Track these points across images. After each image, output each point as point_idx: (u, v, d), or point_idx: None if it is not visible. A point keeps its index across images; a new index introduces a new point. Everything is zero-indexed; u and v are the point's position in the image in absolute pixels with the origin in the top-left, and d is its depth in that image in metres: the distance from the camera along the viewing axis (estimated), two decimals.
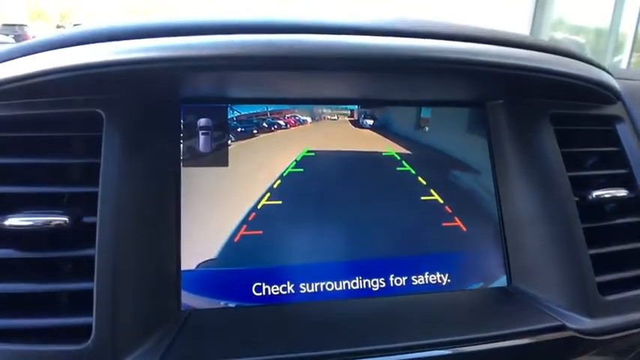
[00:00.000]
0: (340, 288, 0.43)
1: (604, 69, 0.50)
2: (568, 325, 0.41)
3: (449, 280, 0.45)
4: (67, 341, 0.35)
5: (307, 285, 0.42)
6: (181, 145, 0.43)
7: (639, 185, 0.50)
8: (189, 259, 0.41)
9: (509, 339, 0.39)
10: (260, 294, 0.41)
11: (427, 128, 0.48)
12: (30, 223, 0.37)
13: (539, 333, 0.40)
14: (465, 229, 0.46)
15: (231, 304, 0.41)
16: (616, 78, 0.53)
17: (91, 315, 0.35)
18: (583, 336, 0.41)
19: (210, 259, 0.41)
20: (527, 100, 0.48)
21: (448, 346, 0.38)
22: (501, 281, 0.46)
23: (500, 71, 0.41)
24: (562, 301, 0.43)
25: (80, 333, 0.35)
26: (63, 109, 0.39)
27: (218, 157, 0.43)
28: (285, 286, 0.42)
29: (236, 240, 0.42)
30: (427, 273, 0.45)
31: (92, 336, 0.34)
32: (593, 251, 0.45)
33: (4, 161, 0.39)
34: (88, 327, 0.35)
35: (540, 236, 0.46)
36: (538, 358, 0.40)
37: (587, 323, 0.41)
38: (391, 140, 0.47)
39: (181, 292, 0.40)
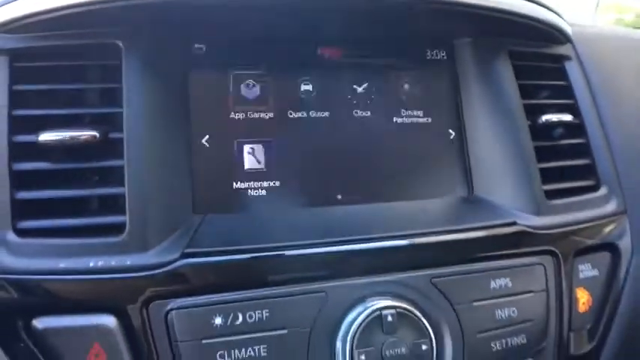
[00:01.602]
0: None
1: (558, 14, 0.58)
2: (519, 222, 0.50)
3: (416, 192, 0.53)
4: (104, 235, 0.42)
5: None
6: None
7: (582, 113, 0.59)
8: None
9: (469, 231, 0.48)
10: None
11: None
12: (63, 137, 0.43)
13: (495, 227, 0.49)
14: (433, 148, 0.54)
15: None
16: (569, 24, 0.61)
17: (123, 214, 0.42)
18: (531, 230, 0.49)
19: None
20: (489, 38, 0.55)
21: (412, 237, 0.46)
22: (464, 192, 0.54)
23: (467, 10, 0.49)
24: (515, 205, 0.52)
25: (113, 231, 0.42)
26: (85, 40, 0.44)
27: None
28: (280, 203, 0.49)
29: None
30: (396, 186, 0.52)
31: (126, 230, 0.41)
32: (541, 165, 0.53)
33: (32, 88, 0.44)
34: (121, 225, 0.42)
35: (497, 153, 0.54)
36: (495, 249, 0.49)
37: (535, 220, 0.50)
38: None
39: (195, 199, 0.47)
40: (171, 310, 0.40)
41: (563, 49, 0.61)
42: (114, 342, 0.39)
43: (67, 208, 0.43)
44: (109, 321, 0.39)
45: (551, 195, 0.53)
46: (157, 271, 0.40)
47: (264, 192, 0.49)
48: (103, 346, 0.39)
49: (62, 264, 0.40)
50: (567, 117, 0.57)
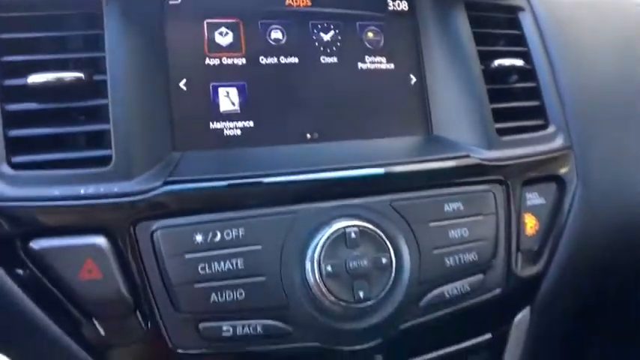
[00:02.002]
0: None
1: None
2: (472, 155, 0.55)
3: (379, 131, 0.57)
4: (92, 167, 0.46)
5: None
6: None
7: (534, 60, 0.64)
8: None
9: (426, 162, 0.53)
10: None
11: None
12: (50, 79, 0.46)
13: (450, 159, 0.54)
14: (395, 92, 0.59)
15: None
16: None
17: (109, 148, 0.46)
18: (482, 161, 0.55)
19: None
20: None
21: (375, 167, 0.51)
22: (423, 131, 0.59)
23: None
24: (469, 141, 0.57)
25: (100, 163, 0.46)
26: None
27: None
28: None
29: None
30: (361, 126, 0.57)
31: (112, 161, 0.46)
32: (494, 105, 0.58)
33: (19, 36, 0.48)
34: (107, 157, 0.46)
35: (454, 95, 0.59)
36: (449, 178, 0.54)
37: (487, 153, 0.56)
38: None
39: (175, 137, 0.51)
40: (156, 229, 0.44)
41: (517, 1, 0.66)
42: (105, 258, 0.43)
43: (57, 144, 0.47)
44: (100, 241, 0.44)
45: (503, 132, 0.58)
46: (141, 197, 0.45)
47: (239, 132, 0.54)
48: (96, 262, 0.43)
49: (55, 191, 0.44)
50: (519, 62, 0.62)
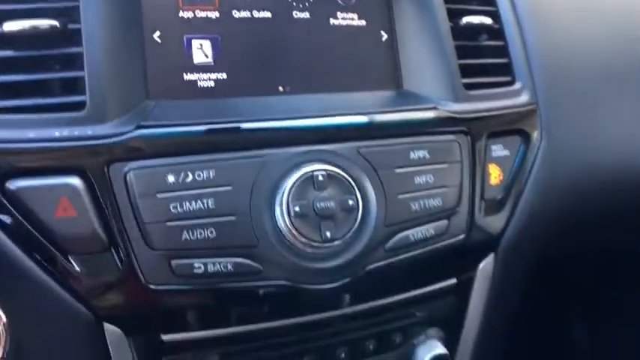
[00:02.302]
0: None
1: None
2: (439, 107, 0.57)
3: (350, 86, 0.59)
4: (67, 112, 0.48)
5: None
6: None
7: (502, 19, 0.66)
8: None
9: (394, 112, 0.55)
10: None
11: None
12: (25, 27, 0.48)
13: (417, 110, 0.56)
14: (366, 48, 0.61)
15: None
16: None
17: (83, 94, 0.48)
18: (448, 113, 0.57)
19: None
20: None
21: (344, 115, 0.53)
22: (393, 86, 0.61)
23: None
24: (437, 95, 0.59)
25: (74, 108, 0.48)
26: None
27: None
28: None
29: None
30: (332, 80, 0.59)
31: (87, 106, 0.47)
32: (462, 61, 0.60)
33: None
34: (81, 103, 0.47)
35: (424, 52, 0.61)
36: (416, 128, 0.56)
37: (453, 106, 0.58)
38: None
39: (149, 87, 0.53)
40: (129, 170, 0.46)
41: None
42: (79, 197, 0.45)
43: (32, 90, 0.48)
44: (75, 181, 0.45)
45: (470, 87, 0.60)
46: (115, 139, 0.46)
47: (212, 83, 0.55)
48: (70, 201, 0.45)
49: (30, 134, 0.45)
50: (488, 20, 0.64)
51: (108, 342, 0.48)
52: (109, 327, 0.48)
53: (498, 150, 0.60)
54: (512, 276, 0.63)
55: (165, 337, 0.49)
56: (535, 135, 0.63)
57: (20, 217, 0.44)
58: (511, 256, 0.61)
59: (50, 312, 0.47)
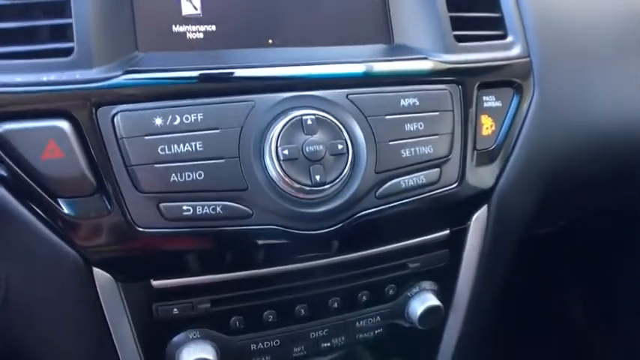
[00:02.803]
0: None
1: None
2: (430, 58, 0.57)
3: (342, 39, 0.59)
4: (54, 58, 0.47)
5: None
6: None
7: None
8: None
9: (384, 62, 0.55)
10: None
11: None
12: None
13: (408, 60, 0.56)
14: (358, 4, 0.60)
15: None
16: None
17: (71, 41, 0.48)
18: (439, 63, 0.57)
19: None
20: None
21: (334, 64, 0.53)
22: (385, 40, 0.60)
23: None
24: (428, 47, 0.59)
25: (62, 54, 0.47)
26: None
27: None
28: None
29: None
30: (323, 34, 0.59)
31: (75, 51, 0.47)
32: (453, 14, 0.60)
33: None
34: (69, 49, 0.47)
35: (414, 6, 0.60)
36: (406, 77, 0.56)
37: (444, 57, 0.57)
38: None
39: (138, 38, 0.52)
40: (117, 113, 0.46)
41: None
42: (66, 140, 0.45)
43: (20, 37, 0.48)
44: (62, 124, 0.45)
45: (461, 39, 0.60)
46: (102, 83, 0.46)
47: (201, 35, 0.55)
48: (58, 143, 0.45)
49: (18, 78, 0.45)
50: None
51: (98, 287, 0.48)
52: (98, 272, 0.48)
53: (490, 101, 0.60)
54: (506, 229, 0.63)
55: (155, 283, 0.49)
56: (527, 88, 0.62)
57: (8, 160, 0.44)
58: (504, 209, 0.61)
59: (41, 256, 0.47)
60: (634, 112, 0.72)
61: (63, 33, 0.48)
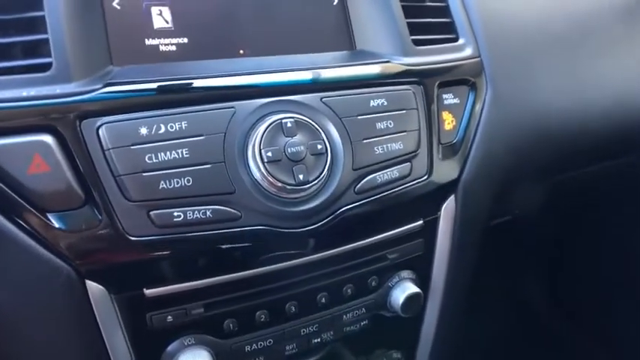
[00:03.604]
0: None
1: None
2: (392, 61, 0.61)
3: (306, 47, 0.62)
4: (31, 73, 0.48)
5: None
6: None
7: None
8: None
9: (351, 66, 0.59)
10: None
11: None
12: None
13: (372, 64, 0.60)
14: (320, 12, 0.64)
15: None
16: None
17: (49, 56, 0.48)
18: (401, 65, 0.61)
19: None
20: None
21: (306, 70, 0.56)
22: (347, 47, 0.64)
23: None
24: (389, 51, 0.63)
25: (40, 70, 0.48)
26: None
27: None
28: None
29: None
30: (289, 43, 0.62)
31: (53, 66, 0.47)
32: (409, 20, 0.65)
33: None
34: (47, 64, 0.48)
35: (374, 13, 0.65)
36: (373, 80, 0.59)
37: (405, 59, 0.62)
38: None
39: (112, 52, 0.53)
40: (101, 125, 0.47)
41: None
42: (52, 153, 0.45)
43: None
44: (46, 138, 0.45)
45: (418, 44, 0.64)
46: (84, 96, 0.47)
47: (174, 47, 0.57)
48: (43, 157, 0.45)
49: None
50: None
51: (91, 300, 0.48)
52: (91, 285, 0.48)
53: (450, 98, 0.65)
54: (472, 216, 0.68)
55: (148, 292, 0.49)
56: (480, 85, 0.68)
57: None
58: (470, 197, 0.66)
59: (31, 272, 0.46)
60: (578, 104, 0.79)
61: (37, 49, 0.49)
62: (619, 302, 1.26)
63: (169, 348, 0.52)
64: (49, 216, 0.45)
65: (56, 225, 0.45)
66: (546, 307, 1.45)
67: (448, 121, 0.64)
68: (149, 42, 0.55)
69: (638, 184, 1.10)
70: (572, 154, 0.81)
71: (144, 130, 0.47)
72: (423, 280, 0.65)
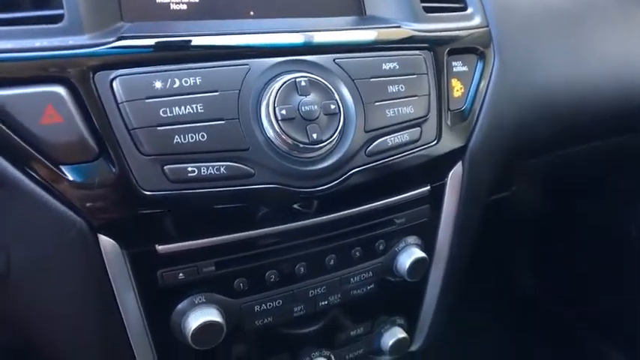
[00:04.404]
0: None
1: None
2: (402, 26, 0.61)
3: (317, 10, 0.61)
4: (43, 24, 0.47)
5: None
6: None
7: None
8: None
9: (363, 30, 0.58)
10: None
11: None
12: None
13: (384, 28, 0.60)
14: None
15: None
16: None
17: (60, 8, 0.47)
18: (413, 32, 0.61)
19: None
20: None
21: (318, 31, 0.56)
22: (358, 13, 0.64)
23: None
24: (400, 17, 0.63)
25: (51, 21, 0.47)
26: None
27: None
28: None
29: None
30: (300, 5, 0.61)
31: (65, 18, 0.46)
32: None
33: None
34: (58, 16, 0.47)
35: None
36: (384, 44, 0.59)
37: (415, 25, 0.62)
38: None
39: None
40: (115, 77, 0.46)
41: None
42: (65, 104, 0.44)
43: (7, 5, 0.47)
44: (59, 89, 0.45)
45: (428, 11, 0.64)
46: (98, 49, 0.46)
47: (184, 6, 0.56)
48: (56, 108, 0.44)
49: (9, 44, 0.44)
50: None
51: (104, 255, 0.47)
52: (103, 239, 0.47)
53: (459, 66, 0.65)
54: (479, 184, 0.68)
55: (160, 248, 0.49)
56: (489, 54, 0.68)
57: (5, 128, 0.43)
58: (476, 165, 0.66)
59: (44, 225, 0.46)
60: (578, 79, 0.80)
61: (47, 1, 0.48)
62: (607, 281, 1.29)
63: (180, 306, 0.52)
64: (62, 168, 0.45)
65: (69, 177, 0.45)
66: (539, 289, 1.48)
67: (457, 88, 0.64)
68: (160, 0, 0.54)
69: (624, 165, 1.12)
70: (570, 128, 0.82)
71: (158, 84, 0.47)
72: (428, 246, 0.66)
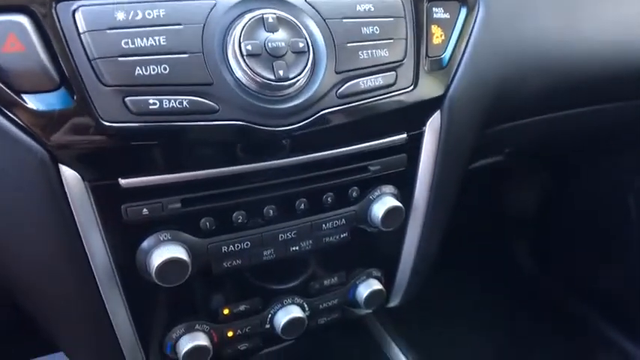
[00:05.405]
0: None
1: None
2: None
3: None
4: None
5: None
6: None
7: None
8: None
9: None
10: None
11: None
12: None
13: None
14: None
15: None
16: None
17: None
18: None
19: None
20: None
21: None
22: None
23: None
24: None
25: None
26: None
27: None
28: None
29: None
30: None
31: None
32: None
33: None
34: None
35: None
36: None
37: None
38: None
39: None
40: (78, 8, 0.46)
41: None
42: (26, 33, 0.44)
43: None
44: (22, 18, 0.45)
45: None
46: None
47: None
48: (18, 36, 0.44)
49: None
50: None
51: (65, 186, 0.48)
52: (65, 170, 0.48)
53: (440, 12, 0.63)
54: (458, 136, 0.67)
55: (123, 182, 0.49)
56: (473, 2, 0.66)
57: None
58: (456, 115, 0.65)
59: (6, 154, 0.46)
60: (572, 41, 0.78)
61: None
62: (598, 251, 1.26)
63: (145, 243, 0.53)
64: (24, 96, 0.45)
65: (30, 106, 0.45)
66: (529, 259, 1.46)
67: (437, 34, 0.63)
68: None
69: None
70: (559, 91, 0.80)
71: (121, 15, 0.47)
72: (405, 197, 0.65)
